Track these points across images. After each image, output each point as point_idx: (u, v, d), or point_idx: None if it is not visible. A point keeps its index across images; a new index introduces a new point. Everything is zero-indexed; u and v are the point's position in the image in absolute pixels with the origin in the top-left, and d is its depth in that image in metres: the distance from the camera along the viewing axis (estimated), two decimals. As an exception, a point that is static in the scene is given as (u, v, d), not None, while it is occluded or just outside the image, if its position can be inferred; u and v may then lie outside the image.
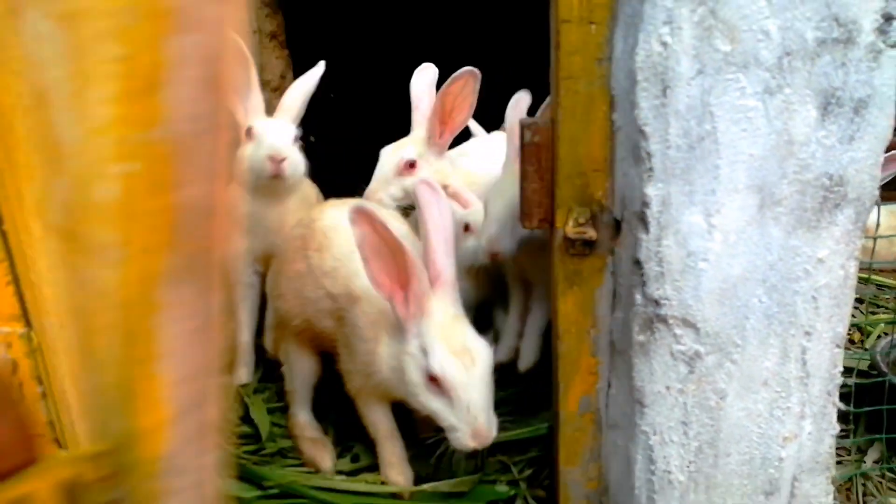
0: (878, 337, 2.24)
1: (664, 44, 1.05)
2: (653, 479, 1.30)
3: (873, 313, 2.44)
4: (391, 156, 2.22)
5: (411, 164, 2.20)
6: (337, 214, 1.75)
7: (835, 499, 1.39)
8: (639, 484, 1.32)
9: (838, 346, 1.23)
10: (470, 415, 1.43)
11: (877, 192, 1.16)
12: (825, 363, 1.23)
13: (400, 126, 2.33)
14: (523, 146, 1.33)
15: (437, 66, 2.36)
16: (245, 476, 1.67)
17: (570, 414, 1.44)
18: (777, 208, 1.13)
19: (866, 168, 1.13)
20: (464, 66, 2.11)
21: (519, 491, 1.67)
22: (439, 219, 1.54)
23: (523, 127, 1.32)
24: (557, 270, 1.34)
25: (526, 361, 2.06)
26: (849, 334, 1.64)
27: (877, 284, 2.64)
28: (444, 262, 1.52)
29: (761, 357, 1.21)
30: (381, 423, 1.71)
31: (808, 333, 1.21)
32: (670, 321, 1.19)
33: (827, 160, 1.12)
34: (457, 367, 1.44)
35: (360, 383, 1.67)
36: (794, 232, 1.14)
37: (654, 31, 1.04)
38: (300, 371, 1.88)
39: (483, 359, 1.47)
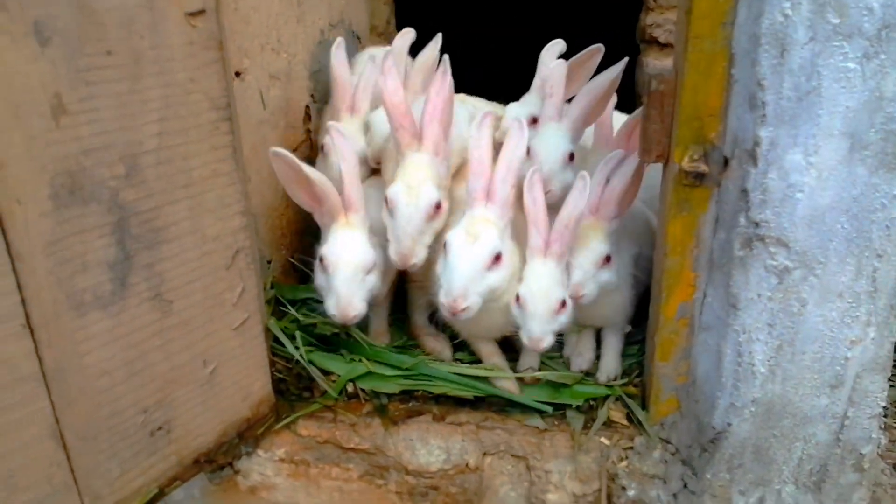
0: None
1: (785, 15, 1.31)
2: (738, 371, 1.61)
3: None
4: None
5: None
6: None
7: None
8: (726, 375, 1.63)
9: (903, 267, 1.51)
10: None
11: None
12: (891, 281, 1.51)
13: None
14: (649, 93, 1.60)
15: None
16: (384, 361, 2.03)
17: (668, 319, 1.74)
18: (864, 151, 1.39)
19: (941, 121, 1.39)
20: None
21: (613, 391, 1.99)
22: (515, 150, 1.88)
23: (650, 76, 1.59)
24: (670, 199, 1.63)
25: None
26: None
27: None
28: (498, 179, 1.86)
29: (839, 273, 1.49)
30: (484, 350, 2.09)
31: (879, 256, 1.48)
32: (767, 240, 1.48)
33: (909, 114, 1.37)
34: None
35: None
36: (876, 172, 1.41)
37: (778, 4, 1.30)
38: (420, 298, 2.25)
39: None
